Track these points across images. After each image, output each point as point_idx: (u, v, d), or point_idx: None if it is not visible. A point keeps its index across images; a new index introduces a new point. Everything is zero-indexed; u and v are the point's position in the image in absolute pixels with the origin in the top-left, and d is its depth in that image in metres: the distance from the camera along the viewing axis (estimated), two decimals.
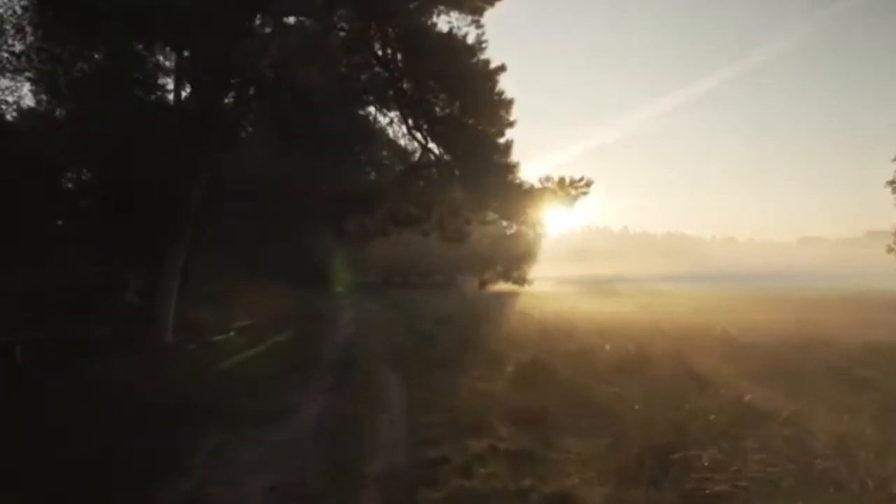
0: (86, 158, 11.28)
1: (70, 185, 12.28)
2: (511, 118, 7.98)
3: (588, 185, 8.75)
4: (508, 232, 35.81)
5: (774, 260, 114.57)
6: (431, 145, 9.09)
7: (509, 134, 8.01)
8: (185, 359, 7.03)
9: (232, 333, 9.70)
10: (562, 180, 8.62)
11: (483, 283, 35.92)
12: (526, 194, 8.61)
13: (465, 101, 7.70)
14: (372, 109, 9.54)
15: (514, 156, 8.13)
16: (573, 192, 8.70)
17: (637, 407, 4.76)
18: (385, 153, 10.36)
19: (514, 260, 35.87)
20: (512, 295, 28.16)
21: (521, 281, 35.81)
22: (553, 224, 35.81)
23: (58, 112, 13.22)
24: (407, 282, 35.76)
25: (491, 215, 9.66)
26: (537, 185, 8.70)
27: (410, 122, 9.10)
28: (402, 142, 9.28)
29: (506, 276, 36.04)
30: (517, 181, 8.53)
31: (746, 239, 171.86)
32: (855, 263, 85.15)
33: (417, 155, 9.32)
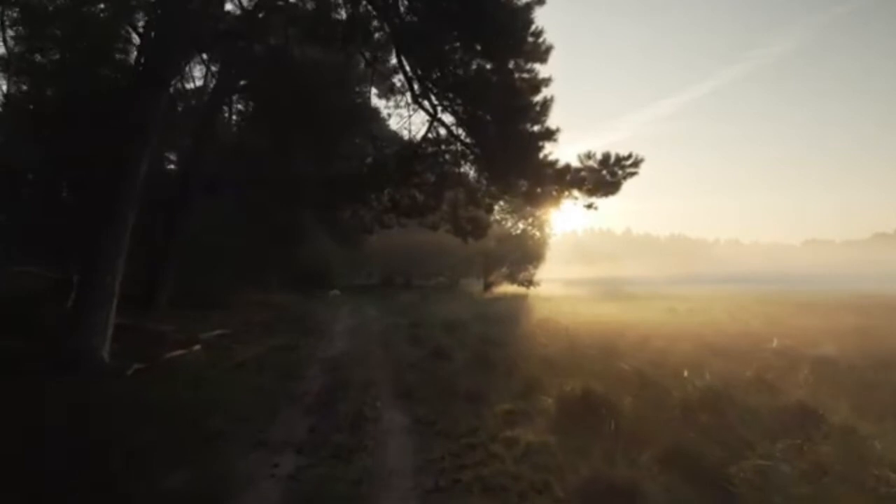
0: (31, 138, 9.56)
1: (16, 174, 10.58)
2: (547, 74, 6.21)
3: (636, 164, 6.99)
4: (514, 232, 34.24)
5: (781, 262, 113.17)
6: (443, 116, 7.30)
7: (545, 91, 6.20)
8: (115, 386, 5.25)
9: (197, 347, 7.91)
10: (606, 158, 6.85)
11: (488, 286, 34.21)
12: (561, 175, 6.82)
13: (487, 48, 5.91)
14: (369, 73, 7.78)
15: (552, 120, 6.32)
16: (619, 172, 6.93)
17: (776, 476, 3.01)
18: (385, 127, 8.65)
19: (520, 261, 34.22)
20: (521, 298, 26.35)
21: (528, 283, 34.04)
22: (558, 224, 34.36)
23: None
24: (409, 284, 34.05)
25: (515, 202, 7.82)
26: (576, 163, 6.91)
27: (416, 86, 7.33)
28: (406, 112, 7.54)
29: (512, 278, 34.32)
30: (550, 158, 6.73)
31: (751, 241, 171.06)
32: (864, 265, 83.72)
33: (424, 128, 7.54)
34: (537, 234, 34.94)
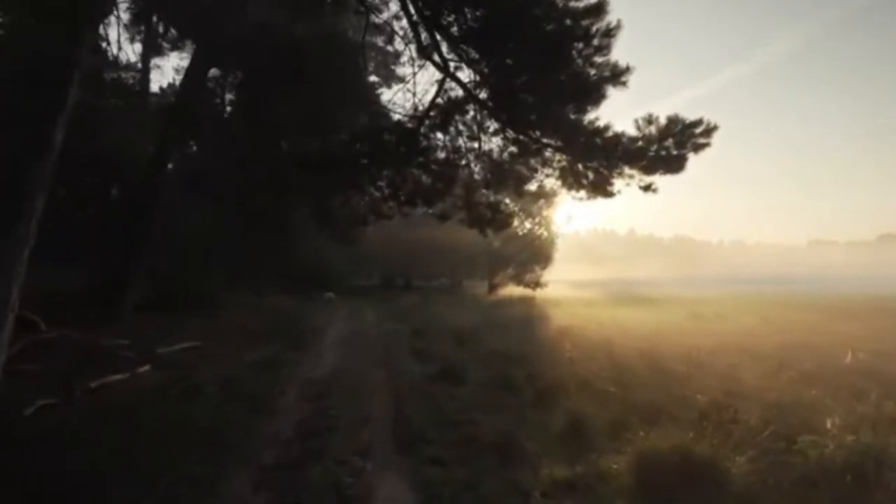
0: None
1: None
2: None
3: (708, 132, 5.39)
4: (521, 231, 32.64)
5: (788, 263, 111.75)
6: (458, 72, 5.68)
7: (604, 20, 4.40)
8: None
9: (146, 368, 6.30)
10: (671, 123, 5.24)
11: (493, 287, 32.66)
12: (611, 146, 5.20)
13: None
14: (362, 22, 6.12)
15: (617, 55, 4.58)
16: (688, 143, 5.31)
17: None
18: (382, 92, 7.09)
19: (527, 262, 32.70)
20: (529, 301, 24.74)
21: (535, 285, 32.43)
22: (563, 223, 32.92)
23: None
24: (409, 285, 32.54)
25: (548, 184, 6.16)
26: (631, 131, 5.30)
27: (423, 35, 5.72)
28: (410, 70, 5.92)
29: (518, 280, 32.75)
30: (599, 124, 5.11)
31: (755, 242, 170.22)
32: (872, 267, 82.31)
33: (433, 90, 5.93)
34: (544, 233, 33.45)
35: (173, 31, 13.25)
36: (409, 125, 6.22)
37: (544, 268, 33.33)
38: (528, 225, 32.87)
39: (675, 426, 3.99)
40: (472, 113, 5.79)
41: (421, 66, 5.90)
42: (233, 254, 18.08)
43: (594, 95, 4.55)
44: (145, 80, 15.80)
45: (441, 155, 6.27)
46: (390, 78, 13.69)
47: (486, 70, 5.28)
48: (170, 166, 14.96)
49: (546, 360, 7.37)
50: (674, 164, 5.43)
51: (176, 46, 14.71)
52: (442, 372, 6.65)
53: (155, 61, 15.83)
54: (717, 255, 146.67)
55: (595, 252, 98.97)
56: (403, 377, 6.58)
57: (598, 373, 6.54)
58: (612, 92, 4.52)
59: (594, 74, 4.46)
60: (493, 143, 5.93)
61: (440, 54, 5.65)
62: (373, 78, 10.43)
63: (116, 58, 15.34)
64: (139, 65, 15.73)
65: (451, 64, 5.70)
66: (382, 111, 6.76)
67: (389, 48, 11.61)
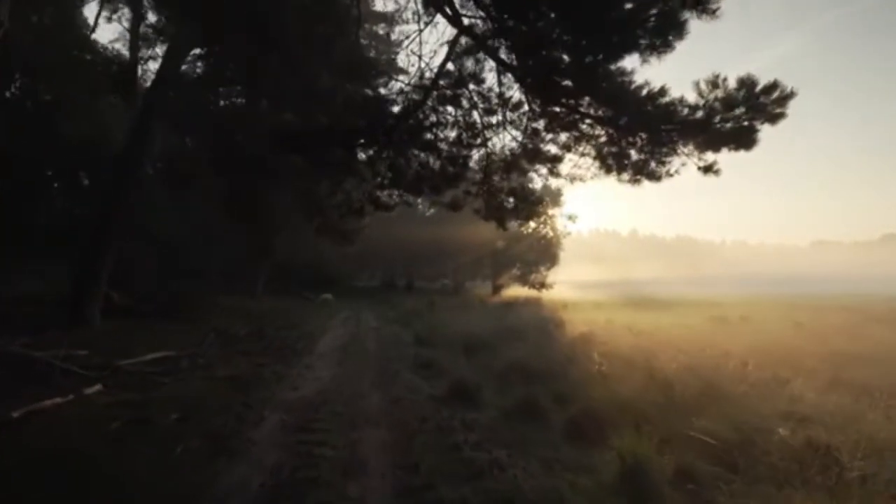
0: None
1: None
2: None
3: (783, 100, 4.33)
4: (525, 231, 31.62)
5: (793, 263, 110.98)
6: (476, 29, 4.61)
7: None
8: None
9: (97, 388, 5.21)
10: (741, 87, 4.18)
11: (498, 289, 31.66)
12: (664, 114, 4.13)
13: None
14: None
15: None
16: (762, 111, 4.24)
17: None
18: (379, 58, 5.95)
19: (532, 262, 31.72)
20: (536, 303, 23.69)
21: (540, 286, 31.40)
22: (568, 223, 31.88)
23: None
24: (411, 286, 31.54)
25: (583, 165, 5.08)
26: (691, 97, 4.23)
27: None
28: (415, 27, 4.83)
29: (523, 281, 31.75)
30: (653, 87, 4.04)
31: (758, 242, 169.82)
32: (879, 266, 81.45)
33: (444, 52, 4.85)
34: (550, 232, 32.47)
35: (160, 16, 12.25)
36: (414, 96, 5.15)
37: (550, 268, 32.37)
38: (532, 224, 31.94)
39: (777, 478, 2.94)
40: (489, 81, 4.73)
41: (428, 23, 4.82)
42: (223, 254, 17.07)
43: (670, 31, 3.45)
44: (133, 72, 14.79)
45: (452, 133, 5.20)
46: (391, 42, 12.27)
47: (509, 22, 4.20)
48: (158, 165, 13.98)
49: (574, 377, 6.28)
50: (744, 138, 4.36)
51: (163, 37, 13.70)
52: (452, 391, 5.60)
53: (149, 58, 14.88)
54: (720, 255, 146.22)
55: (598, 252, 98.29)
56: (406, 398, 5.51)
57: (640, 393, 5.43)
58: (695, 25, 3.42)
59: (663, 5, 3.36)
60: (516, 116, 4.86)
61: (451, 5, 4.58)
62: (373, 40, 9.32)
63: (106, 49, 14.38)
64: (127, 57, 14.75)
65: (465, 19, 4.63)
66: (381, 79, 5.67)
67: (389, 32, 10.53)
